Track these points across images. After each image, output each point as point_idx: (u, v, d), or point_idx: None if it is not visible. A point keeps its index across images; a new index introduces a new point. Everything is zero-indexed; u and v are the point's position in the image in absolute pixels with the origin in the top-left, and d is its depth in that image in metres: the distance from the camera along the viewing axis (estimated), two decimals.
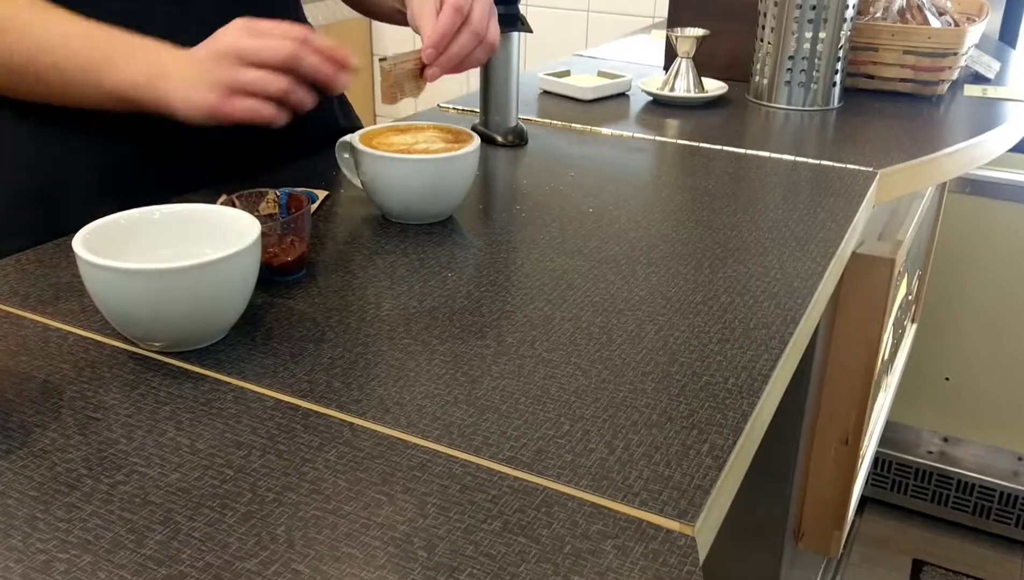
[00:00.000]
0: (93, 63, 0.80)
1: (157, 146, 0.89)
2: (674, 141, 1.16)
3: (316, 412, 0.58)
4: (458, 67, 0.87)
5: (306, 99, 0.79)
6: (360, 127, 1.08)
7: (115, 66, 0.79)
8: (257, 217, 0.65)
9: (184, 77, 0.78)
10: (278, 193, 0.74)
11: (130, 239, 0.64)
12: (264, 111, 0.77)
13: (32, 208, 0.87)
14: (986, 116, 1.28)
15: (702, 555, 0.48)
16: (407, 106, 2.32)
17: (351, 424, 0.57)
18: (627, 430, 0.56)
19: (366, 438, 0.55)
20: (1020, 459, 1.94)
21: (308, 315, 0.69)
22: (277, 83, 0.77)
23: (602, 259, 0.80)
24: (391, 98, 0.84)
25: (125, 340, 0.65)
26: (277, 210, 0.73)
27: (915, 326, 1.73)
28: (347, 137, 0.86)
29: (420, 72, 0.86)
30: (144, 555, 0.46)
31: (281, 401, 0.59)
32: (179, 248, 0.65)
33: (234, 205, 0.70)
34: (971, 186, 1.83)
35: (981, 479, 1.95)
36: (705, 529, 0.50)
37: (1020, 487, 1.92)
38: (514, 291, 0.74)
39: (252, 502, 0.50)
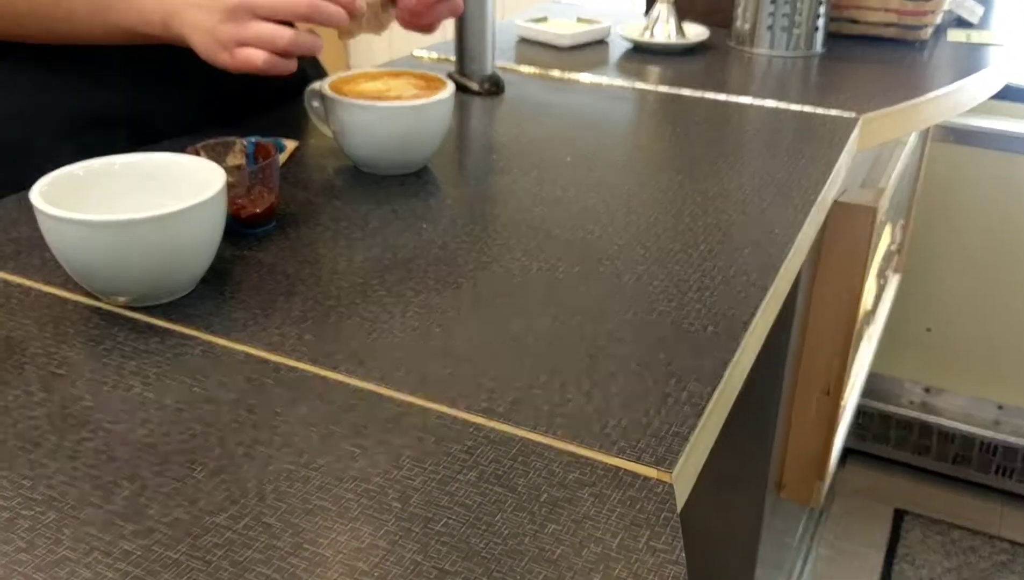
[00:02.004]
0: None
1: (122, 99, 0.87)
2: (654, 88, 1.14)
3: (287, 366, 0.56)
4: (423, 20, 0.86)
5: (316, 44, 0.78)
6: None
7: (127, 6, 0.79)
8: (224, 168, 0.63)
9: (196, 25, 0.76)
10: (245, 142, 0.72)
11: (91, 191, 0.62)
12: (276, 64, 0.76)
13: None
14: (969, 61, 1.26)
15: (680, 502, 0.47)
16: (381, 54, 2.28)
17: (323, 377, 0.55)
18: (605, 379, 0.55)
19: (339, 391, 0.54)
20: (1000, 408, 1.96)
21: (278, 268, 0.68)
22: (284, 36, 0.75)
23: (580, 208, 0.79)
24: (348, 34, 0.82)
25: (89, 295, 0.63)
26: (244, 160, 0.71)
27: (898, 276, 1.73)
28: (316, 84, 0.84)
29: (383, 4, 0.85)
30: (111, 511, 0.45)
31: (251, 355, 0.57)
32: (142, 200, 0.63)
33: (199, 156, 0.68)
34: (954, 135, 1.82)
35: (962, 429, 1.97)
36: (683, 476, 0.49)
37: (1000, 436, 1.94)
38: (490, 242, 0.72)
39: (222, 457, 0.48)
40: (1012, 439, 1.93)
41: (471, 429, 0.51)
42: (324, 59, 1.50)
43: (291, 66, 0.78)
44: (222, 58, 0.76)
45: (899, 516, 1.91)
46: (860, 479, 2.03)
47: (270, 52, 0.76)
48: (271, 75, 0.77)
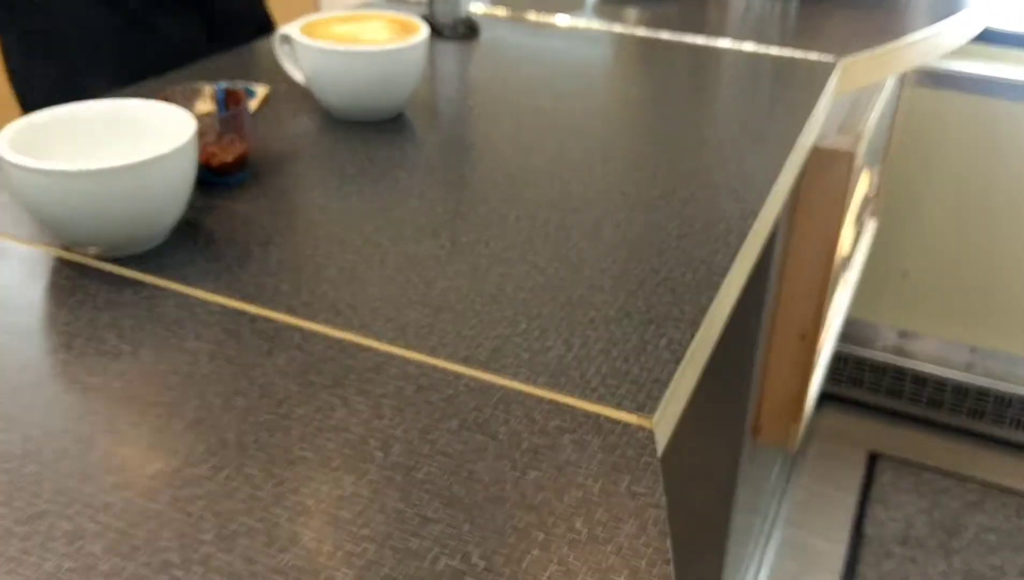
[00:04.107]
0: None
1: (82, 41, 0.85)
2: (631, 32, 1.12)
3: (264, 317, 0.56)
4: None
5: None
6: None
7: None
8: (193, 114, 0.61)
9: None
10: (215, 88, 0.70)
11: (57, 139, 0.61)
12: None
13: None
14: (949, 4, 1.25)
15: (660, 447, 0.48)
16: None
17: (301, 328, 0.55)
18: (584, 327, 0.55)
19: (317, 342, 0.54)
20: (973, 351, 1.99)
21: (253, 218, 0.67)
22: None
23: (558, 155, 0.78)
24: None
25: (60, 246, 0.62)
26: (214, 107, 0.70)
27: (874, 222, 1.74)
28: (286, 28, 0.82)
29: None
30: (90, 463, 0.44)
31: (227, 306, 0.57)
32: (110, 148, 0.62)
33: (168, 102, 0.67)
34: (931, 79, 1.81)
35: (935, 372, 2.00)
36: (663, 422, 0.50)
37: (973, 379, 1.97)
38: (468, 190, 0.72)
39: (200, 409, 0.48)
40: (984, 382, 1.96)
41: (451, 378, 0.51)
42: (293, 1, 1.46)
43: None
44: None
45: (872, 459, 1.95)
46: (834, 423, 2.06)
47: None
48: None
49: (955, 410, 2.01)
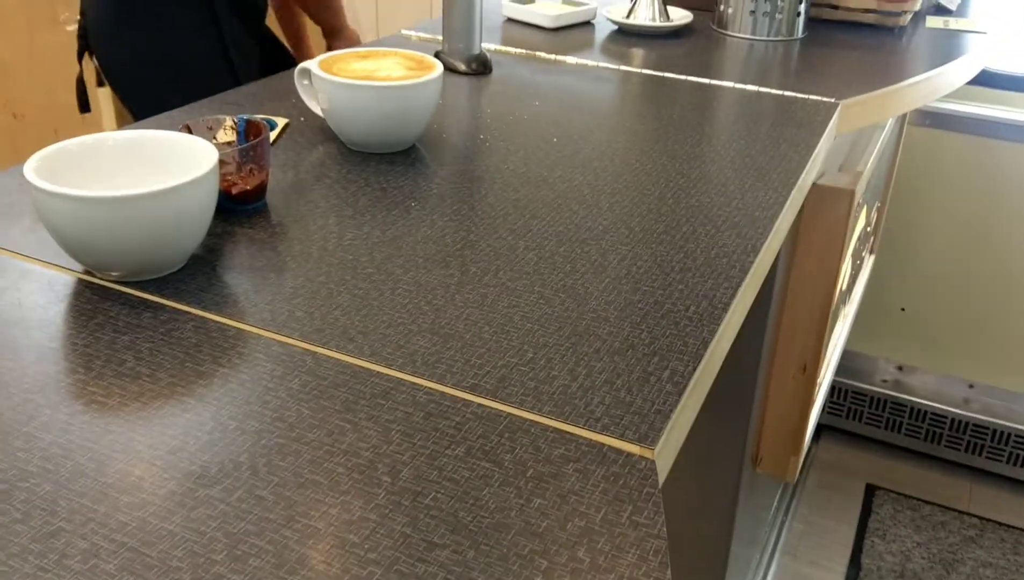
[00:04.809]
0: None
1: None
2: (639, 71, 1.15)
3: (278, 341, 0.57)
4: None
5: None
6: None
7: None
8: (215, 144, 0.63)
9: None
10: (236, 120, 0.72)
11: (84, 166, 0.63)
12: None
13: None
14: (947, 48, 1.28)
15: (661, 478, 0.49)
16: (369, 33, 2.27)
17: (314, 353, 0.56)
18: (589, 357, 0.57)
19: (329, 367, 0.55)
20: (971, 386, 2.00)
21: (269, 244, 0.68)
22: None
23: (566, 189, 0.80)
24: None
25: (82, 270, 0.64)
26: (235, 137, 0.72)
27: (873, 257, 1.75)
28: (306, 63, 0.84)
29: None
30: (104, 483, 0.45)
31: (242, 330, 0.58)
32: (135, 176, 0.64)
33: (190, 132, 0.69)
34: (931, 119, 1.84)
35: (933, 406, 2.00)
36: (665, 452, 0.51)
37: (970, 413, 1.98)
38: (478, 221, 0.73)
39: (214, 430, 0.49)
40: (982, 417, 1.97)
41: (459, 405, 0.52)
42: (311, 38, 1.52)
43: None
44: None
45: (871, 491, 1.95)
46: (833, 455, 2.06)
47: None
48: None
49: (953, 445, 2.02)
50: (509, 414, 0.52)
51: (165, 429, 0.49)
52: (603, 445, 0.50)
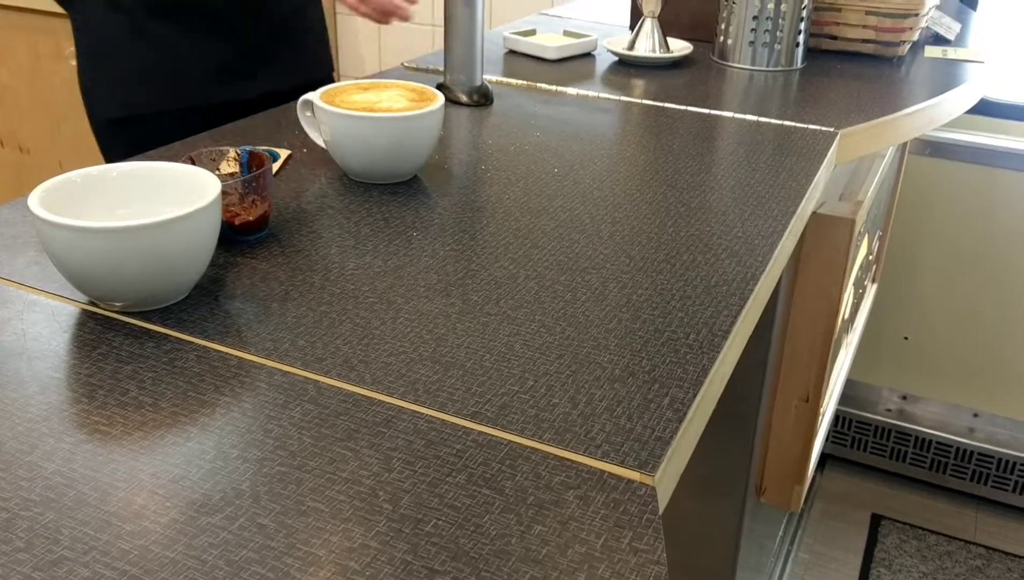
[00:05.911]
0: None
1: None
2: (639, 101, 1.16)
3: (280, 370, 0.58)
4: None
5: None
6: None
7: None
8: (217, 176, 0.64)
9: None
10: (239, 151, 0.73)
11: (88, 197, 0.63)
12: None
13: None
14: (946, 77, 1.29)
15: (662, 504, 0.49)
16: (371, 65, 2.29)
17: (316, 382, 0.57)
18: (590, 385, 0.57)
19: (331, 395, 0.55)
20: (975, 415, 1.99)
21: (271, 274, 0.69)
22: None
23: (567, 218, 0.80)
24: None
25: (85, 300, 0.64)
26: (238, 169, 0.73)
27: (875, 286, 1.76)
28: (308, 95, 0.85)
29: None
30: (107, 511, 0.46)
31: (245, 360, 0.59)
32: (138, 207, 0.65)
33: (194, 164, 0.70)
34: (931, 148, 1.85)
35: (938, 435, 2.00)
36: (665, 479, 0.51)
37: (975, 443, 1.97)
38: (479, 250, 0.74)
39: (216, 459, 0.50)
40: (987, 446, 1.96)
41: (460, 433, 0.53)
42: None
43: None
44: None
45: (876, 521, 1.94)
46: (838, 484, 2.05)
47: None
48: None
49: (959, 474, 2.01)
50: (510, 441, 0.52)
51: (167, 458, 0.50)
52: (603, 472, 0.50)
